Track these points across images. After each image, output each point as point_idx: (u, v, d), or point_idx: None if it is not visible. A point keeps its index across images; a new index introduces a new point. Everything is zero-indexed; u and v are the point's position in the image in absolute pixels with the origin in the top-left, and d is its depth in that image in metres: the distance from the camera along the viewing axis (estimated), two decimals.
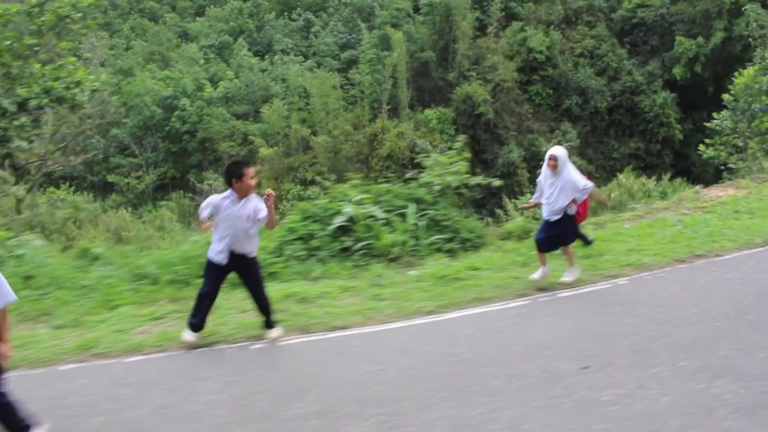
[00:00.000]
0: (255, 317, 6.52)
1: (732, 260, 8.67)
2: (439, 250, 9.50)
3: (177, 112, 44.96)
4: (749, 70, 18.25)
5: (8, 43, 11.09)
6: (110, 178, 44.27)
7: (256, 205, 6.12)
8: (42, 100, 11.31)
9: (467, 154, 12.71)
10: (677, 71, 45.59)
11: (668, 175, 40.05)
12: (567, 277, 7.91)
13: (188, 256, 8.46)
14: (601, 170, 47.13)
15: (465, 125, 44.29)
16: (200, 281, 6.42)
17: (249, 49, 52.95)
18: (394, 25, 46.24)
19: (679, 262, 8.64)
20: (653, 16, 47.68)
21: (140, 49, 58.59)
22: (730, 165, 18.69)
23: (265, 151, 40.83)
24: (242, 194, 6.02)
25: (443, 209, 10.10)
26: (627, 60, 47.84)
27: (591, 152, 48.33)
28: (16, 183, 15.69)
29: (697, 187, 15.01)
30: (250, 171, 6.04)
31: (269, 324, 6.37)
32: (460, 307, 7.04)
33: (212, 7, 63.69)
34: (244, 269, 6.24)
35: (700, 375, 4.76)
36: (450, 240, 9.78)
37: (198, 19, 63.51)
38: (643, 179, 37.64)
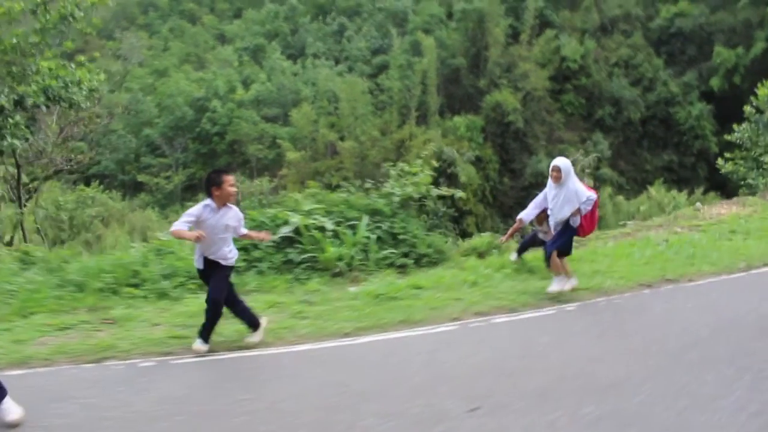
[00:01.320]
0: (162, 332, 6.31)
1: (703, 286, 8.07)
2: (391, 265, 9.03)
3: (208, 114, 45.56)
4: None
5: (14, 41, 11.25)
6: (140, 177, 45.03)
7: (237, 214, 6.17)
8: (39, 99, 11.43)
9: (434, 164, 12.25)
10: (715, 82, 44.53)
11: (701, 189, 39.41)
12: (553, 287, 7.81)
13: (121, 264, 8.15)
14: (632, 182, 46.28)
15: (494, 133, 43.92)
16: (131, 289, 6.54)
17: (282, 53, 53.40)
18: (426, 31, 46.13)
19: (644, 287, 8.02)
20: (692, 26, 46.65)
21: (177, 50, 59.65)
22: (749, 180, 17.98)
23: (291, 155, 41.08)
24: (222, 202, 6.02)
25: (401, 222, 9.60)
26: (663, 70, 46.90)
27: (623, 164, 47.47)
28: (18, 181, 15.92)
29: (697, 204, 14.50)
30: (230, 179, 6.03)
31: (203, 336, 6.05)
32: (383, 329, 6.59)
33: (249, 9, 64.50)
34: (213, 274, 6.23)
35: (602, 425, 4.18)
36: (405, 255, 9.30)
37: (235, 21, 64.33)
38: (674, 193, 37.04)
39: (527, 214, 7.95)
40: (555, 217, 7.65)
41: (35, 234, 21.06)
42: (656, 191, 38.16)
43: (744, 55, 43.38)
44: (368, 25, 54.62)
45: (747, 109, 18.23)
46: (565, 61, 46.30)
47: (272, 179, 41.75)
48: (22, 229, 17.16)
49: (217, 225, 6.00)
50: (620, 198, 39.06)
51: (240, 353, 6.02)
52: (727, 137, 19.50)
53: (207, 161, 47.06)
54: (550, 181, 7.65)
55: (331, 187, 41.19)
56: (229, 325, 6.44)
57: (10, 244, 16.08)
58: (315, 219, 9.12)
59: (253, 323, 6.30)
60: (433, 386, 5.01)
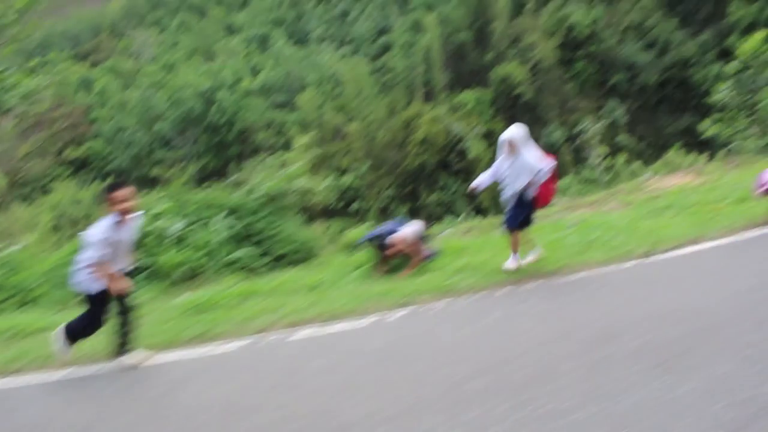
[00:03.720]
0: None
1: (573, 283, 6.86)
2: (244, 267, 8.30)
3: (215, 105, 45.51)
4: (759, 34, 16.49)
5: None
6: (153, 171, 45.24)
7: (136, 224, 5.94)
8: None
9: (313, 152, 11.15)
10: (732, 40, 42.82)
11: (723, 151, 38.18)
12: (509, 264, 7.41)
13: None
14: (652, 147, 44.92)
15: (504, 107, 43.08)
16: None
17: (288, 39, 53.08)
18: (430, 7, 45.31)
19: (498, 287, 6.89)
20: None
21: (186, 44, 59.75)
22: (732, 145, 16.90)
23: (300, 139, 40.81)
24: (122, 215, 5.64)
25: (264, 219, 8.86)
26: (677, 31, 45.26)
27: (641, 129, 46.16)
28: None
29: (646, 174, 13.64)
30: (124, 193, 5.58)
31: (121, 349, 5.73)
32: (171, 346, 5.95)
33: None
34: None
35: None
36: (263, 255, 8.56)
37: (242, 11, 64.16)
38: (693, 156, 35.92)
39: (482, 181, 7.68)
40: (511, 188, 7.39)
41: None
42: (674, 156, 37.09)
43: (762, 10, 41.63)
44: (372, 6, 53.94)
45: (731, 66, 17.32)
46: (574, 29, 45.02)
47: (282, 165, 41.68)
48: None
49: (123, 239, 5.71)
50: (637, 164, 38.11)
51: None
52: (709, 99, 18.45)
53: (218, 152, 47.03)
54: (504, 153, 7.40)
55: (341, 171, 41.08)
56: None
57: None
58: (162, 221, 8.47)
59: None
60: (130, 428, 4.39)
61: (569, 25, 45.50)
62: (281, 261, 8.67)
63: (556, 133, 42.12)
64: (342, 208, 41.40)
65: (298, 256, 8.78)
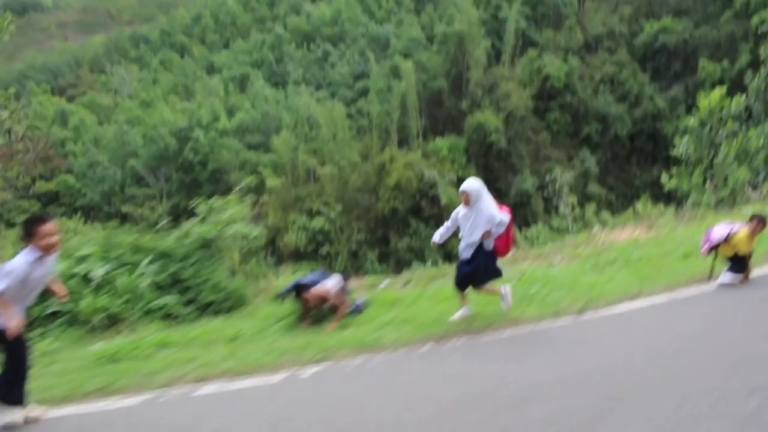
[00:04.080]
0: None
1: (498, 342, 6.49)
2: (168, 315, 7.93)
3: (190, 143, 45.43)
4: (716, 91, 16.76)
5: None
6: (124, 208, 44.81)
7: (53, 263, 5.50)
8: None
9: (247, 200, 10.78)
10: (701, 96, 43.87)
11: (677, 205, 38.60)
12: (504, 305, 7.22)
13: None
14: (622, 198, 45.48)
15: (477, 154, 43.46)
16: None
17: (267, 80, 53.48)
18: (407, 55, 45.97)
19: (422, 344, 6.56)
20: (676, 41, 46.22)
21: (166, 81, 59.96)
22: (691, 199, 16.98)
23: (272, 182, 40.75)
24: (44, 252, 5.27)
25: (193, 265, 8.49)
26: (649, 85, 46.37)
27: (612, 180, 46.80)
28: None
29: (595, 228, 13.55)
30: (49, 227, 5.23)
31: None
32: (67, 401, 5.52)
33: (239, 39, 64.91)
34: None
35: None
36: (189, 302, 8.17)
37: (224, 51, 64.73)
38: (661, 208, 36.29)
39: (442, 233, 7.48)
40: (466, 240, 7.18)
41: None
42: (643, 207, 37.47)
43: (730, 68, 42.82)
44: (351, 51, 54.70)
45: (689, 121, 17.53)
46: (549, 79, 45.91)
47: (254, 207, 41.45)
48: None
49: (45, 276, 5.37)
50: (606, 215, 38.40)
51: None
52: (672, 152, 18.62)
53: (191, 190, 46.77)
54: (461, 205, 7.26)
55: (312, 213, 40.71)
56: None
57: None
58: (88, 264, 8.14)
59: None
60: None
61: (544, 76, 46.43)
62: (208, 309, 8.29)
63: (528, 182, 42.49)
64: (312, 251, 41.17)
65: (226, 305, 8.39)
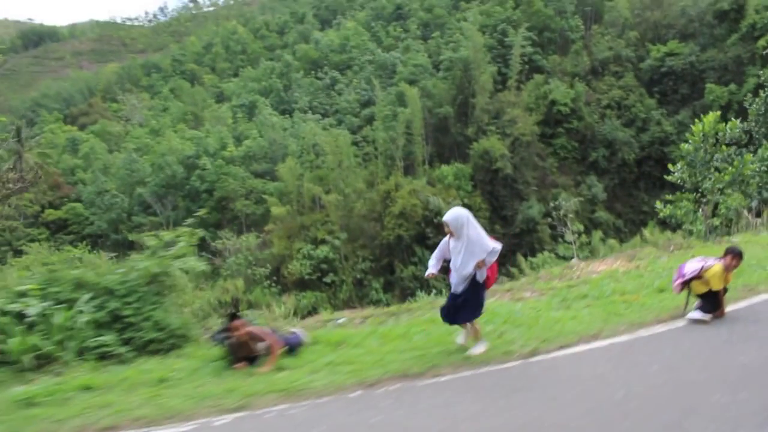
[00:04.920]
0: None
1: (433, 387, 6.08)
2: (105, 355, 7.62)
3: (197, 171, 45.70)
4: (709, 116, 16.34)
5: None
6: (131, 237, 44.98)
7: None
8: None
9: (199, 234, 10.47)
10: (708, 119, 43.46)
11: (670, 233, 37.93)
12: (477, 349, 6.88)
13: None
14: (630, 224, 44.96)
15: (483, 181, 43.24)
16: None
17: (275, 108, 53.86)
18: (412, 82, 46.09)
19: (353, 389, 6.19)
20: (682, 65, 45.96)
21: (176, 109, 60.62)
22: (687, 226, 16.48)
23: (276, 210, 40.76)
24: None
25: (136, 302, 8.12)
26: (656, 110, 46.05)
27: (620, 206, 46.33)
28: None
29: (573, 260, 13.04)
30: None
31: None
32: None
33: (248, 67, 65.61)
34: None
35: None
36: (128, 342, 7.84)
37: (233, 79, 65.42)
38: (669, 234, 35.71)
39: (432, 266, 7.12)
40: (459, 273, 6.72)
41: None
42: (650, 233, 36.88)
43: (737, 91, 42.45)
44: (358, 78, 55.01)
45: (684, 147, 17.14)
46: (555, 105, 45.76)
47: (259, 235, 41.43)
48: None
49: None
50: (613, 241, 37.85)
51: None
52: (668, 177, 18.20)
53: (197, 219, 46.93)
54: (447, 237, 6.88)
55: (317, 242, 40.49)
56: None
57: None
58: (22, 301, 7.93)
59: None
60: None
61: (551, 101, 46.30)
62: (148, 348, 8.05)
63: (534, 209, 42.11)
64: (317, 280, 40.95)
65: (167, 344, 8.14)
